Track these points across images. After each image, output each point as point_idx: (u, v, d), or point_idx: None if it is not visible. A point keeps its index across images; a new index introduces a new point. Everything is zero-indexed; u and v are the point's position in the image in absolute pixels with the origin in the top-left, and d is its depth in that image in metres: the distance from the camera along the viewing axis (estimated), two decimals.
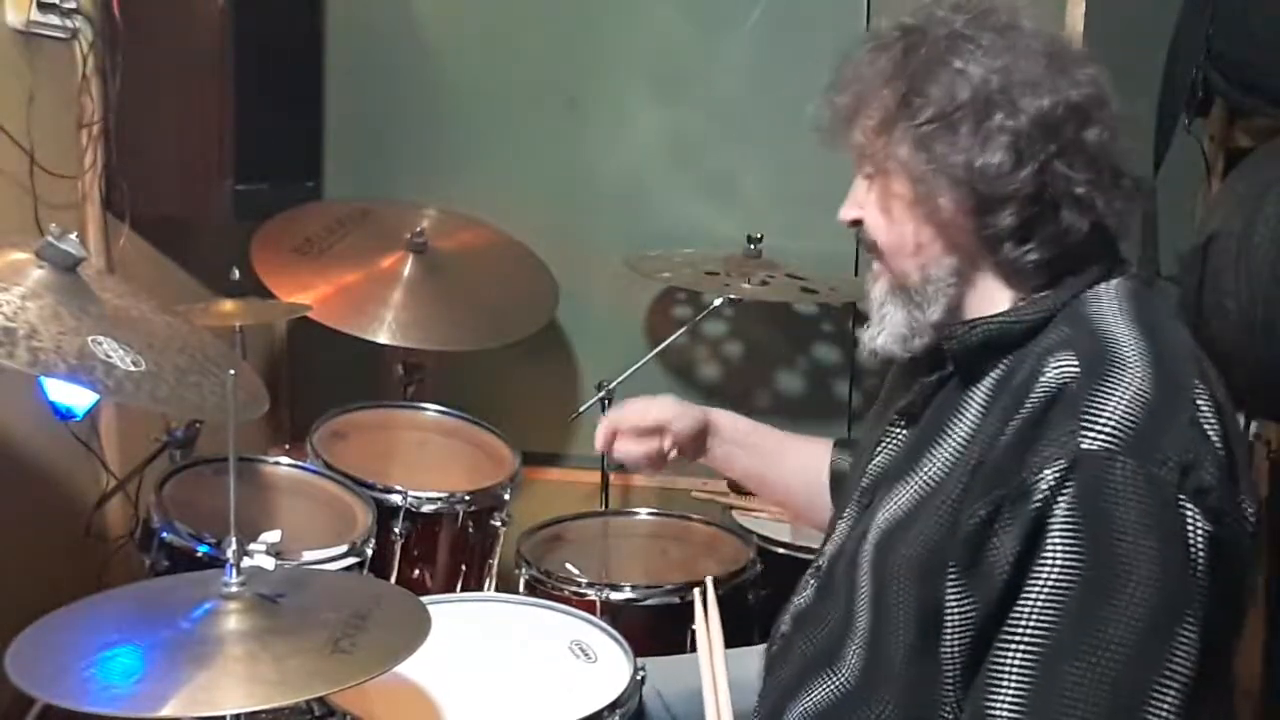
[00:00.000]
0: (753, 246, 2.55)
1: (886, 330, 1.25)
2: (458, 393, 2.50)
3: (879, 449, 1.31)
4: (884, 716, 1.18)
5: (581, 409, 2.42)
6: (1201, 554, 1.01)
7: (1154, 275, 2.07)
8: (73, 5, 2.15)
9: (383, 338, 2.31)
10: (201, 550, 1.67)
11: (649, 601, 1.89)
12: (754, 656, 1.42)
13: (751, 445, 1.62)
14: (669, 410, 1.56)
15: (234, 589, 1.20)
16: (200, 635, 1.16)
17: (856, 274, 2.54)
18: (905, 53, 1.18)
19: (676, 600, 1.91)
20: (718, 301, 2.53)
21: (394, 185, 2.82)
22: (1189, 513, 1.02)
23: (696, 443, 1.59)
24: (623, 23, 2.78)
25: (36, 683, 1.08)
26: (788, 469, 1.63)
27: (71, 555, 2.20)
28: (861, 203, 1.26)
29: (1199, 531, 1.02)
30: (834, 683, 1.25)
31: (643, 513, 2.31)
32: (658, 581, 1.94)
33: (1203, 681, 1.01)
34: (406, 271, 2.43)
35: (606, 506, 2.54)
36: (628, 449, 1.56)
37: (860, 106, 1.21)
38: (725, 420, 1.61)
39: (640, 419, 1.55)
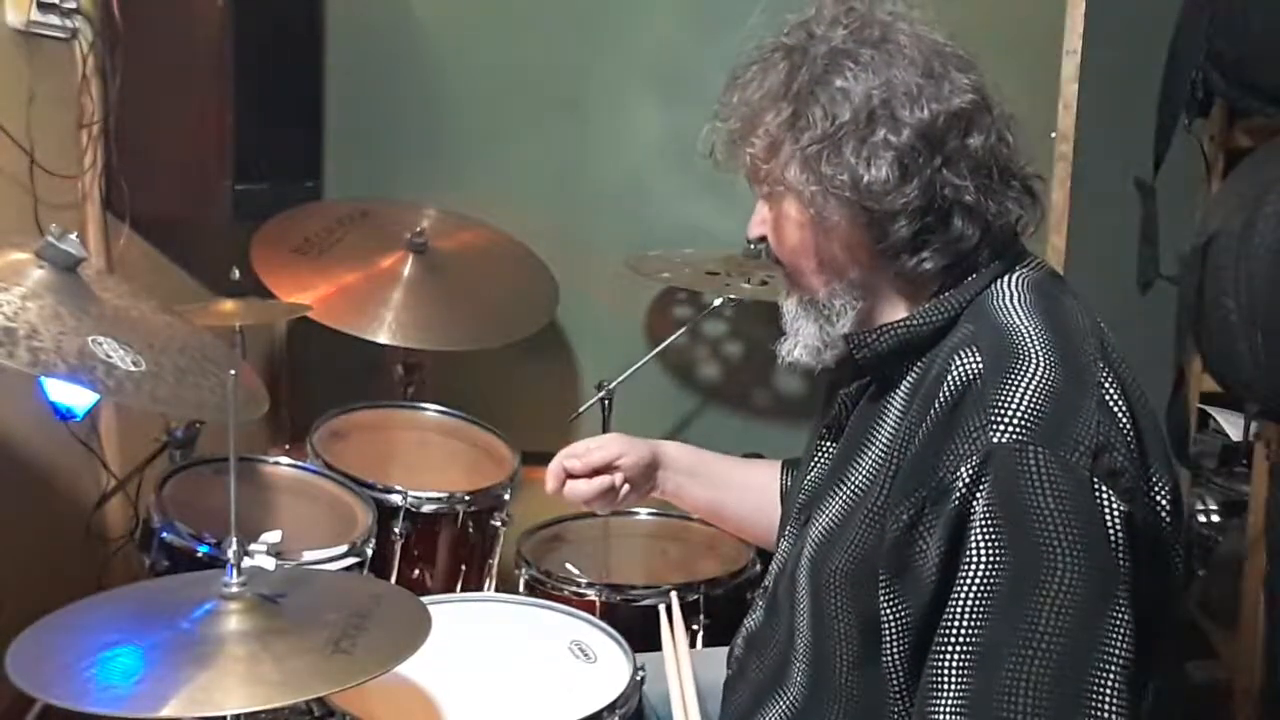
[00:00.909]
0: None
1: (800, 343, 1.27)
2: (458, 393, 2.49)
3: (812, 465, 1.33)
4: None
5: (581, 409, 2.42)
6: (1121, 534, 1.03)
7: (1152, 275, 2.08)
8: (73, 5, 2.14)
9: (383, 338, 2.31)
10: (201, 550, 1.67)
11: (649, 601, 1.89)
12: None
13: (702, 475, 1.64)
14: (616, 447, 1.57)
15: (234, 589, 1.19)
16: (201, 635, 1.16)
17: None
18: (789, 73, 1.18)
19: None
20: (718, 301, 2.53)
21: (394, 185, 2.82)
22: (1104, 495, 1.03)
23: (646, 476, 1.60)
24: (623, 23, 2.78)
25: (36, 683, 1.08)
26: (740, 496, 1.64)
27: (71, 555, 2.20)
28: (765, 219, 1.28)
29: (1115, 512, 1.03)
30: (784, 703, 1.25)
31: (643, 513, 2.30)
32: (658, 581, 1.94)
33: (1142, 662, 1.02)
34: (406, 271, 2.43)
35: None
36: (578, 489, 1.57)
37: (747, 129, 1.22)
38: (675, 452, 1.62)
39: (588, 458, 1.56)
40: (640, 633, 1.61)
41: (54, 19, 2.12)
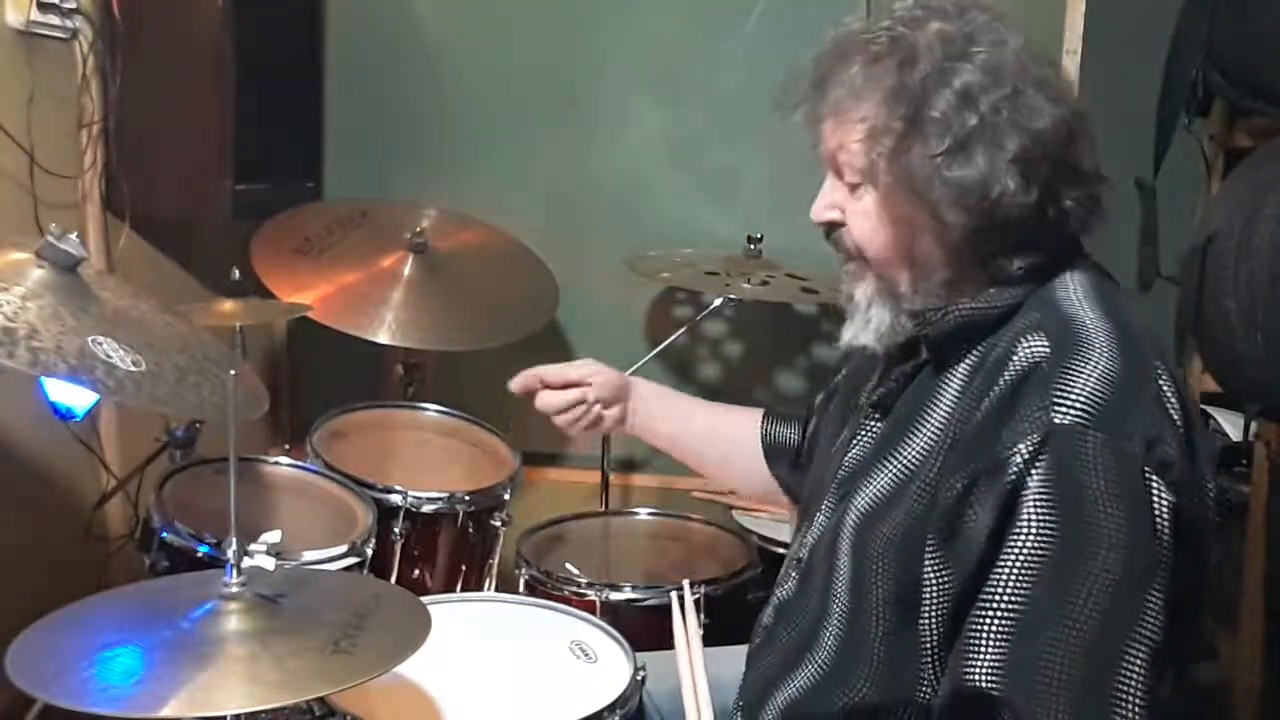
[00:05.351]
0: (753, 246, 2.55)
1: (871, 329, 1.28)
2: (458, 393, 2.49)
3: (855, 442, 1.34)
4: (860, 697, 1.22)
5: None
6: (1166, 523, 1.06)
7: (1152, 275, 2.08)
8: (73, 5, 2.15)
9: (383, 338, 2.31)
10: (202, 550, 1.67)
11: (649, 601, 1.89)
12: (741, 654, 1.43)
13: (667, 411, 1.70)
14: (588, 368, 1.67)
15: (234, 589, 1.19)
16: (200, 635, 1.16)
17: None
18: (900, 67, 1.17)
19: None
20: (718, 301, 2.53)
21: (394, 185, 2.82)
22: (1154, 484, 1.07)
23: (617, 398, 1.67)
24: (623, 23, 2.78)
25: (36, 683, 1.08)
26: (703, 438, 1.70)
27: (71, 555, 2.20)
28: (839, 206, 1.28)
29: (1163, 502, 1.07)
30: (812, 668, 1.28)
31: (643, 513, 2.31)
32: (658, 581, 1.94)
33: (1170, 648, 1.06)
34: (406, 271, 2.43)
35: (606, 506, 2.54)
36: (549, 399, 1.66)
37: (849, 116, 1.21)
38: (645, 387, 1.70)
39: (561, 375, 1.66)
40: (641, 632, 1.61)
41: (54, 19, 2.12)
